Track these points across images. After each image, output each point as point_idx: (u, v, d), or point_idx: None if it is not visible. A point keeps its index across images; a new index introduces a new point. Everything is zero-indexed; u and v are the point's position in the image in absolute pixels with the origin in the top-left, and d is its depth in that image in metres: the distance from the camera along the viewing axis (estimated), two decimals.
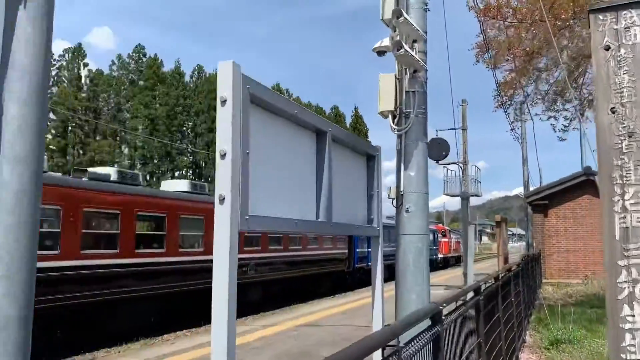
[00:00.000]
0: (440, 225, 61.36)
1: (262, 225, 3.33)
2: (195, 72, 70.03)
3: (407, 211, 6.93)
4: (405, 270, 6.82)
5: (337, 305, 18.23)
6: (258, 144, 3.16)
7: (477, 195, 19.84)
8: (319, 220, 4.01)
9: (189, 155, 65.84)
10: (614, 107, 3.53)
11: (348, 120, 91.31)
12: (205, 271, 15.70)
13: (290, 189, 3.70)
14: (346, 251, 29.96)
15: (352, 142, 4.98)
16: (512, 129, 24.43)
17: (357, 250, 32.02)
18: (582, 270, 20.48)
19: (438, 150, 20.14)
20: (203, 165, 66.34)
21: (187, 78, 68.90)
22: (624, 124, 3.48)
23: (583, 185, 20.75)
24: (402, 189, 7.02)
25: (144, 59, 66.24)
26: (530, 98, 23.89)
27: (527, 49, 22.21)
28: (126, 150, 63.27)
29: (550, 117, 18.03)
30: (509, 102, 24.26)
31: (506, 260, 19.80)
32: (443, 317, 3.30)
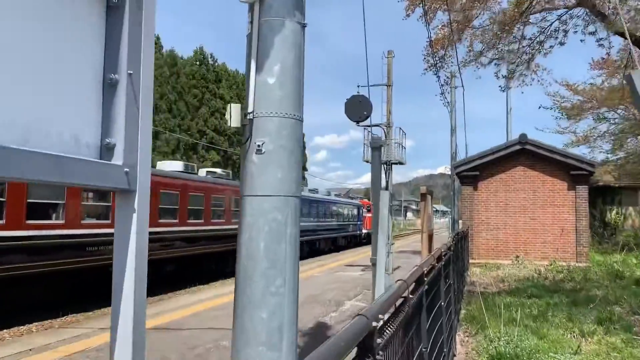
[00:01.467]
0: (367, 200, 59.23)
1: None
2: None
3: (258, 151, 3.65)
4: (249, 266, 3.56)
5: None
6: None
7: (401, 163, 17.03)
8: None
9: None
10: None
11: None
12: None
13: None
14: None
15: None
16: (441, 93, 21.73)
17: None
18: (512, 250, 18.20)
19: (358, 109, 17.00)
20: None
21: None
22: None
23: (517, 155, 18.35)
24: (251, 109, 3.71)
25: None
26: (463, 58, 21.28)
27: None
28: None
29: (492, 60, 15.43)
30: (440, 64, 21.59)
31: (430, 238, 17.16)
32: None
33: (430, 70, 20.90)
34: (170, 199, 19.59)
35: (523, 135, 17.95)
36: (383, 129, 16.76)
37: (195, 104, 65.53)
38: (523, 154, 18.28)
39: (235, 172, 70.09)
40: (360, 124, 16.50)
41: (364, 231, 49.27)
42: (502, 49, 16.40)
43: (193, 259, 21.26)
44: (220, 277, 22.08)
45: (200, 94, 66.10)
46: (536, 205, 18.04)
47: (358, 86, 17.00)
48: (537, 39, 15.40)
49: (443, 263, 6.40)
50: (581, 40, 16.04)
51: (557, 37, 17.38)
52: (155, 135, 61.66)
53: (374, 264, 11.35)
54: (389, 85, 16.70)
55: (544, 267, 16.87)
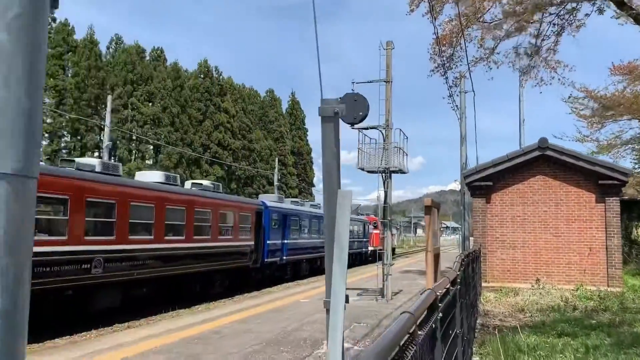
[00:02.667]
0: (373, 216, 56.69)
1: None
2: (113, 43, 62.27)
3: None
4: None
5: (230, 313, 12.59)
6: None
7: (402, 172, 14.63)
8: None
9: (100, 132, 58.16)
10: None
11: (284, 106, 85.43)
12: None
13: None
14: (252, 243, 24.30)
15: None
16: (450, 96, 19.37)
17: (268, 241, 26.43)
18: (531, 272, 15.64)
19: (353, 109, 14.70)
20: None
21: (103, 50, 61.11)
22: None
23: (537, 162, 15.89)
24: None
25: (54, 25, 58.00)
26: (474, 57, 19.00)
27: None
28: None
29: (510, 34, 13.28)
30: (448, 64, 19.30)
31: (437, 258, 14.68)
32: None
33: (437, 71, 18.67)
34: (144, 213, 17.31)
35: (543, 140, 15.50)
36: (381, 131, 14.40)
37: (199, 117, 63.71)
38: (543, 161, 15.81)
39: (240, 187, 67.96)
40: (356, 126, 14.20)
41: (370, 248, 46.69)
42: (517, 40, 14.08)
43: (172, 279, 18.92)
44: (206, 300, 19.75)
45: (204, 107, 64.33)
46: (559, 220, 15.52)
47: (353, 82, 14.71)
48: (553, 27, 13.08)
49: (446, 304, 4.01)
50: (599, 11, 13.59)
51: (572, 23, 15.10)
52: (157, 149, 59.84)
53: (327, 310, 8.90)
54: (388, 82, 14.36)
55: (569, 292, 14.30)
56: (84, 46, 56.26)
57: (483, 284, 15.69)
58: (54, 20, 58.59)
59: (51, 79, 54.18)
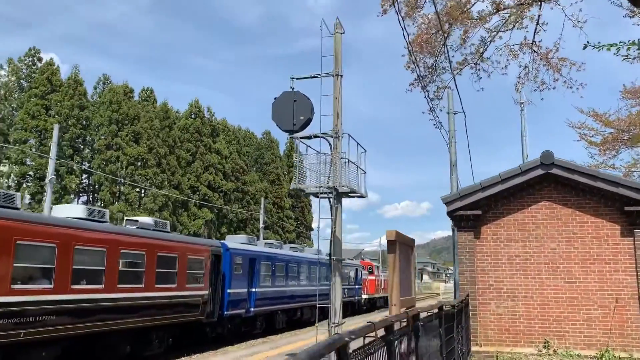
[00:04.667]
0: (368, 260, 52.21)
1: None
2: (100, 83, 59.83)
3: None
4: None
5: None
6: None
7: (357, 195, 10.73)
8: None
9: (81, 175, 54.91)
10: None
11: (282, 148, 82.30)
12: None
13: None
14: (205, 292, 20.15)
15: None
16: (430, 110, 15.63)
17: (229, 290, 22.24)
18: (538, 332, 11.42)
19: (291, 112, 10.75)
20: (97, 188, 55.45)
21: (90, 90, 58.65)
22: None
23: (540, 184, 11.92)
24: None
25: (39, 64, 55.79)
26: (458, 63, 15.46)
27: None
28: (5, 168, 51.90)
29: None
30: (429, 75, 15.76)
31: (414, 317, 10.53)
32: None
33: (417, 85, 15.05)
34: (41, 255, 13.44)
35: (547, 155, 11.58)
36: (327, 140, 10.56)
37: (188, 158, 60.43)
38: (548, 183, 11.85)
39: (232, 231, 63.76)
40: (297, 134, 10.41)
41: (364, 296, 42.08)
42: None
43: (86, 340, 14.86)
44: None
45: (194, 148, 61.14)
46: (572, 261, 11.43)
47: (292, 78, 10.96)
48: None
49: None
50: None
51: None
52: (142, 191, 56.32)
53: None
54: (337, 75, 10.62)
55: None
56: (67, 85, 53.73)
57: (473, 348, 11.47)
58: (40, 60, 56.47)
59: (32, 120, 51.42)
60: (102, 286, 15.14)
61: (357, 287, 40.47)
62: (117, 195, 55.48)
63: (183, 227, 56.62)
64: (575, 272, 11.39)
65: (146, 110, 57.16)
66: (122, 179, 52.64)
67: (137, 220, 18.40)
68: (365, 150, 11.26)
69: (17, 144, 50.34)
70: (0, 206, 12.88)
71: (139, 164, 54.73)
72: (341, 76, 10.56)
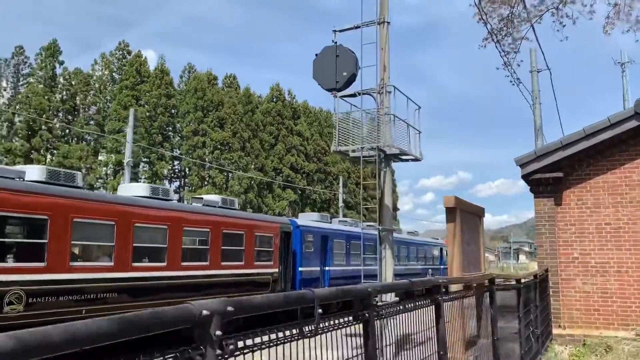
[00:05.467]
0: None
1: None
2: (186, 72, 61.53)
3: None
4: None
5: None
6: None
7: (410, 158, 9.41)
8: None
9: (172, 161, 56.99)
10: None
11: None
12: None
13: None
14: (274, 270, 19.66)
15: None
16: (505, 66, 13.83)
17: (301, 269, 21.65)
18: (636, 312, 9.60)
19: (334, 68, 9.63)
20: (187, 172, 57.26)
21: (176, 80, 60.53)
22: None
23: (634, 138, 9.97)
24: None
25: (128, 57, 58.29)
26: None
27: None
28: (103, 157, 54.96)
29: None
30: (504, 28, 14.01)
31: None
32: None
33: (490, 40, 13.38)
34: (100, 233, 13.44)
35: None
36: (373, 96, 9.34)
37: (271, 140, 60.84)
38: None
39: (316, 211, 63.67)
40: (340, 94, 9.31)
41: None
42: None
43: None
44: None
45: (276, 131, 61.43)
46: None
47: (334, 31, 9.82)
48: None
49: None
50: None
51: None
52: (228, 175, 57.50)
53: None
54: (383, 23, 9.33)
55: None
56: (154, 76, 55.67)
57: (555, 331, 9.87)
58: (129, 53, 58.93)
59: (124, 110, 53.87)
60: (164, 264, 14.97)
61: (442, 267, 38.69)
62: (205, 179, 57.04)
63: (268, 209, 57.24)
64: None
65: (229, 96, 58.05)
66: (208, 163, 53.97)
67: (202, 198, 18.17)
68: (420, 107, 9.89)
69: (112, 134, 53.02)
70: (60, 184, 12.91)
71: (224, 148, 55.79)
72: (388, 23, 9.25)
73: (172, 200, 16.47)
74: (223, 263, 17.18)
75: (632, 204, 9.79)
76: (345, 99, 9.50)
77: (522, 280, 6.74)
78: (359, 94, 9.24)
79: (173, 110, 57.76)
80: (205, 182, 56.08)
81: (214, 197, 18.90)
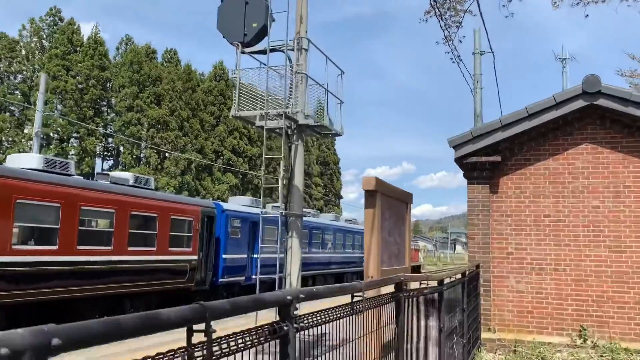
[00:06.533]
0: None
1: None
2: (123, 44, 57.90)
3: None
4: None
5: None
6: None
7: (333, 132, 7.88)
8: None
9: (105, 139, 53.68)
10: None
11: None
12: None
13: None
14: (193, 257, 17.88)
15: None
16: (446, 40, 12.56)
17: (225, 255, 19.95)
18: (572, 316, 8.54)
19: (243, 18, 7.88)
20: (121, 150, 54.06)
21: (113, 52, 56.89)
22: None
23: (580, 120, 8.85)
24: None
25: (60, 24, 54.18)
26: None
27: None
28: (27, 130, 50.97)
29: None
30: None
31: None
32: None
33: (432, 14, 12.11)
34: None
35: (592, 80, 8.47)
36: (287, 55, 7.75)
37: (212, 121, 58.31)
38: (592, 119, 8.77)
39: (258, 197, 61.87)
40: (249, 50, 7.64)
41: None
42: None
43: (40, 307, 12.83)
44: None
45: (218, 111, 58.92)
46: (621, 223, 8.44)
47: None
48: None
49: None
50: None
51: None
52: (164, 155, 54.72)
53: None
54: None
55: None
56: (87, 45, 52.02)
57: (484, 335, 8.69)
58: (61, 20, 54.83)
59: (53, 80, 50.05)
60: (55, 247, 12.97)
61: None
62: (139, 159, 54.06)
63: (207, 192, 54.93)
64: (626, 239, 8.38)
65: (169, 72, 55.09)
66: (143, 142, 51.06)
67: (108, 174, 16.15)
68: (343, 72, 8.40)
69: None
70: None
71: (161, 126, 52.97)
72: None
73: (72, 175, 14.40)
74: (130, 248, 15.29)
75: (574, 194, 8.69)
76: (254, 55, 7.88)
77: (446, 281, 5.39)
78: (270, 50, 7.65)
79: (108, 84, 54.35)
80: (139, 162, 53.12)
81: (125, 175, 16.90)
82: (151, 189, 17.31)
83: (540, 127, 8.85)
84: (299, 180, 7.75)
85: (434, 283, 5.20)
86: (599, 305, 8.38)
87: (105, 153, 56.20)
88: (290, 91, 7.18)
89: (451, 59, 13.01)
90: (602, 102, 8.43)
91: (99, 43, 52.90)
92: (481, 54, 17.23)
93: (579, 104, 8.55)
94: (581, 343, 8.25)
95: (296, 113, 7.30)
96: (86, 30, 52.86)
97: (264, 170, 7.66)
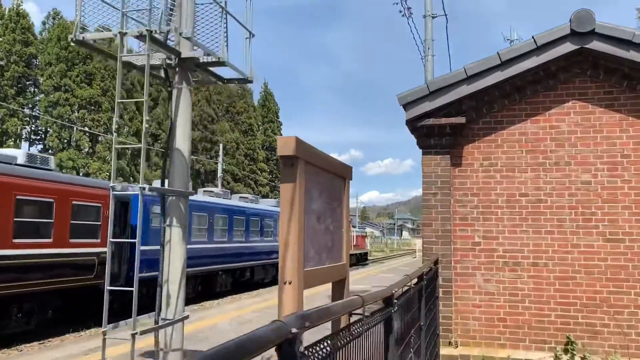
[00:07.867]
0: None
1: None
2: (50, 18, 52.99)
3: None
4: None
5: None
6: None
7: (237, 77, 5.56)
8: None
9: (30, 120, 49.07)
10: None
11: (256, 97, 76.28)
12: None
13: None
14: (101, 250, 15.11)
15: None
16: None
17: (142, 247, 17.17)
18: (556, 325, 6.55)
19: None
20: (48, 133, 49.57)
21: (39, 27, 52.03)
22: None
23: (566, 70, 6.81)
24: None
25: None
26: None
27: None
28: None
29: None
30: None
31: (341, 284, 5.54)
32: None
33: None
34: None
35: (583, 16, 6.41)
36: None
37: (150, 103, 54.51)
38: (581, 68, 6.73)
39: (200, 184, 58.68)
40: None
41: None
42: None
43: None
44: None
45: (156, 92, 55.14)
46: (619, 204, 6.46)
47: None
48: None
49: None
50: None
51: None
52: (95, 138, 50.67)
53: None
54: None
55: None
56: (8, 18, 47.10)
57: (443, 351, 6.55)
58: None
59: None
60: None
61: None
62: (69, 142, 49.76)
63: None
64: (624, 223, 6.41)
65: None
66: (71, 124, 46.83)
67: None
68: (252, 7, 5.99)
69: None
70: None
71: (92, 107, 48.86)
72: None
73: None
74: (16, 241, 12.39)
75: (558, 166, 6.62)
76: None
77: (395, 300, 3.12)
78: None
79: (35, 61, 49.67)
80: (69, 146, 48.85)
81: (14, 152, 13.88)
82: (49, 169, 14.37)
83: (515, 80, 6.72)
84: (182, 142, 5.34)
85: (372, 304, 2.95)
86: (591, 311, 6.38)
87: (34, 137, 51.49)
88: (172, 8, 4.74)
89: (400, 11, 10.77)
90: (595, 44, 6.36)
91: (22, 16, 48.05)
92: (433, 17, 15.16)
93: (566, 47, 6.46)
94: (568, 359, 6.25)
95: (173, 38, 4.80)
96: (7, 3, 47.64)
97: (117, 122, 5.10)
